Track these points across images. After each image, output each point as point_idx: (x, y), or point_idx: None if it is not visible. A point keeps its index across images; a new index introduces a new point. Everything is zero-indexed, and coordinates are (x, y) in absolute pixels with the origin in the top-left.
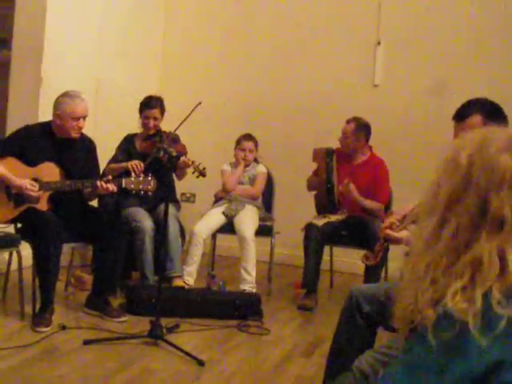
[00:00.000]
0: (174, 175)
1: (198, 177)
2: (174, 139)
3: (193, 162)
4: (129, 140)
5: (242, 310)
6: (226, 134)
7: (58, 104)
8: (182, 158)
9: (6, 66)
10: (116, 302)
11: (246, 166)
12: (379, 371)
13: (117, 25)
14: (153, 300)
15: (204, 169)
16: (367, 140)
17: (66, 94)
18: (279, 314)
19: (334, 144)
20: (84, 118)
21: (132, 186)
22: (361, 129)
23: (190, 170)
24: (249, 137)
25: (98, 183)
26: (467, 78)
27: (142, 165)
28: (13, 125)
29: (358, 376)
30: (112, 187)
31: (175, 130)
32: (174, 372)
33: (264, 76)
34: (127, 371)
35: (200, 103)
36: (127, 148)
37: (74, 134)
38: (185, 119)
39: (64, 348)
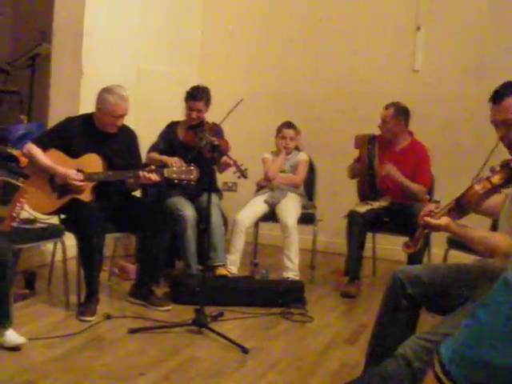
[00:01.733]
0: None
1: (239, 177)
2: (218, 132)
3: (235, 162)
4: (171, 128)
5: (285, 297)
6: (266, 122)
7: (99, 98)
8: (224, 158)
9: (47, 59)
10: (160, 291)
11: (288, 154)
12: (423, 358)
13: (156, 14)
14: (197, 289)
15: (246, 170)
16: (407, 125)
17: (108, 90)
18: (322, 302)
19: (375, 130)
20: (123, 116)
21: (174, 176)
22: (400, 113)
23: (232, 169)
24: (289, 125)
25: (141, 173)
26: (508, 61)
27: (183, 163)
28: (54, 117)
29: (402, 362)
30: (154, 177)
31: (220, 123)
32: (219, 360)
33: (303, 63)
34: (172, 360)
35: (242, 100)
36: (168, 136)
37: (111, 130)
38: (227, 115)
39: (109, 337)
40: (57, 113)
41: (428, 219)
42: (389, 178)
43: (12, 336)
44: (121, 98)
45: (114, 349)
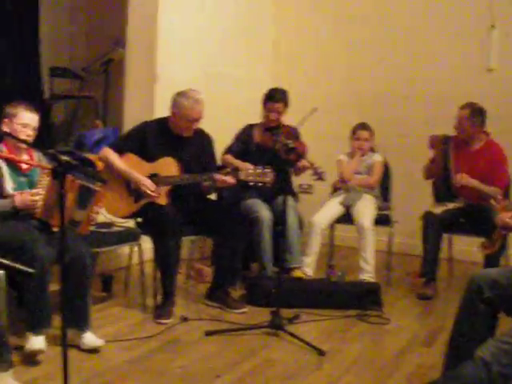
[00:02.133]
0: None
1: (316, 179)
2: (294, 134)
3: (312, 165)
4: (248, 130)
5: (361, 299)
6: (340, 123)
7: (174, 102)
8: (302, 163)
9: (121, 65)
10: (236, 293)
11: (362, 155)
12: (502, 360)
13: (227, 16)
14: (273, 291)
15: (323, 172)
16: (483, 125)
17: (183, 94)
18: (399, 304)
19: (450, 131)
20: (198, 120)
21: (250, 178)
22: (476, 114)
23: (307, 172)
24: (364, 126)
25: (216, 176)
26: None
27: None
28: (129, 121)
29: (480, 365)
30: (230, 180)
31: (303, 121)
32: (295, 362)
33: (376, 64)
34: (249, 362)
35: (316, 109)
36: (244, 138)
37: (186, 134)
38: (301, 122)
39: (186, 339)
40: (131, 117)
41: (507, 220)
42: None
43: (90, 338)
44: (196, 101)
45: (190, 351)
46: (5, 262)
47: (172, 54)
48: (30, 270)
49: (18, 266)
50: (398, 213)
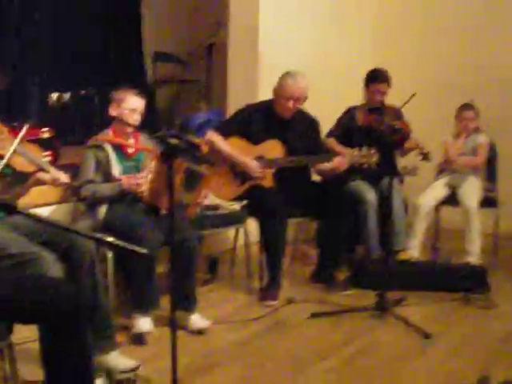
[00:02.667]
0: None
1: (422, 160)
2: (398, 115)
3: (417, 145)
4: (350, 113)
5: (467, 282)
6: (444, 104)
7: (278, 81)
8: (408, 143)
9: (224, 48)
10: (341, 275)
11: (467, 136)
12: None
13: None
14: (378, 273)
15: (428, 153)
16: None
17: (287, 73)
18: (506, 287)
19: None
20: (295, 99)
21: (355, 159)
22: None
23: (412, 153)
24: (469, 106)
25: (322, 158)
26: None
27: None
28: (233, 104)
29: None
30: (336, 163)
31: (402, 107)
32: (400, 344)
33: (480, 43)
34: (354, 344)
35: (415, 94)
36: (347, 122)
37: (288, 114)
38: (402, 106)
39: (291, 321)
40: (235, 100)
41: None
42: None
43: (197, 320)
44: (297, 80)
45: (296, 333)
46: (117, 242)
47: (274, 35)
48: (143, 251)
49: (130, 246)
50: (504, 194)
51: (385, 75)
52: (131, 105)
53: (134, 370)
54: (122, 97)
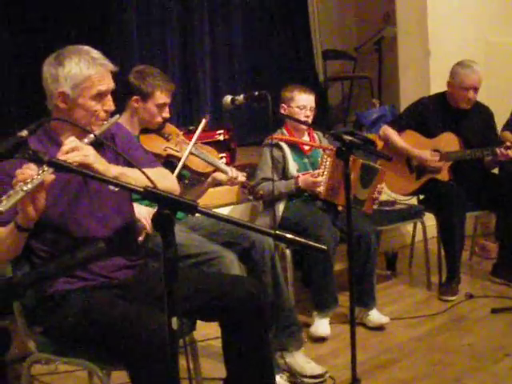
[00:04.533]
0: None
1: None
2: None
3: None
4: None
5: None
6: None
7: (451, 72)
8: None
9: (393, 42)
10: None
11: None
12: None
13: None
14: None
15: None
16: None
17: (460, 63)
18: None
19: None
20: (474, 89)
21: None
22: None
23: None
24: None
25: (498, 150)
26: None
27: None
28: (405, 99)
29: None
30: None
31: None
32: None
33: None
34: None
35: None
36: None
37: (463, 105)
38: None
39: (471, 316)
40: (407, 94)
41: None
42: None
43: (376, 316)
44: (471, 70)
45: (476, 329)
46: (297, 238)
47: (445, 25)
48: (323, 247)
49: (310, 242)
50: None
51: None
52: (300, 102)
53: (321, 376)
54: (290, 96)
